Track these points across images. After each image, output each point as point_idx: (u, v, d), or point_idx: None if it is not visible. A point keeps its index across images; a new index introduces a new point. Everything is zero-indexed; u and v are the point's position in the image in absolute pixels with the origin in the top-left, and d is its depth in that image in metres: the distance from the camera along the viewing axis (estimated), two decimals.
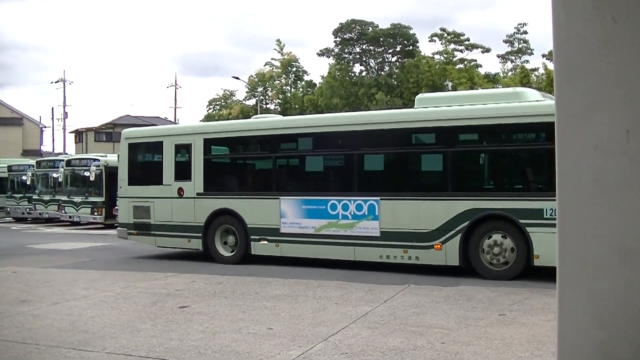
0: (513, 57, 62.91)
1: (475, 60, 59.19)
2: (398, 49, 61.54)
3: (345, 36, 62.73)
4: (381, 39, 60.59)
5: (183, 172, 20.79)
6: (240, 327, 10.99)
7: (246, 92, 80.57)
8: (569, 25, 2.16)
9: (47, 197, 40.74)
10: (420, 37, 77.73)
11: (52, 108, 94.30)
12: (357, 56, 63.67)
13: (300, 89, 76.38)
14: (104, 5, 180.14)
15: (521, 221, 15.49)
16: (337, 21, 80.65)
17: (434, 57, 59.14)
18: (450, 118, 16.69)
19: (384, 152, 18.31)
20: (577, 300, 2.25)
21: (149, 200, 21.46)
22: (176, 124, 72.76)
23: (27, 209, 43.35)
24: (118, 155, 23.41)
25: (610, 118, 2.14)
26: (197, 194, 20.45)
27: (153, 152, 22.15)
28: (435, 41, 60.78)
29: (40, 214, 41.75)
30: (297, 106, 72.00)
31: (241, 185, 20.81)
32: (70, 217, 38.08)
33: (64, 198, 38.26)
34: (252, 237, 19.52)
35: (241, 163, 21.72)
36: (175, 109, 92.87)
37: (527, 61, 61.95)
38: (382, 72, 61.85)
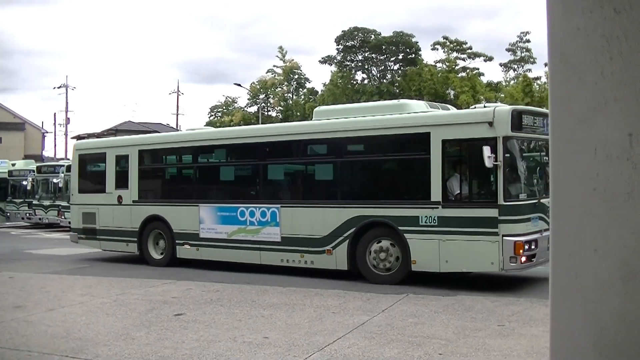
0: (515, 66, 62.62)
1: (478, 69, 58.90)
2: (400, 57, 61.30)
3: (347, 44, 62.49)
4: (383, 47, 60.37)
5: (122, 181, 22.51)
6: (235, 335, 10.86)
7: (248, 99, 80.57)
8: (567, 17, 1.98)
9: (47, 203, 40.50)
10: (423, 46, 77.63)
11: (55, 113, 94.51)
12: (360, 64, 63.44)
13: (302, 97, 76.28)
14: (108, 11, 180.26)
15: (400, 228, 16.27)
16: (340, 29, 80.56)
17: (436, 66, 58.95)
18: (338, 130, 17.70)
19: (284, 163, 19.62)
20: (573, 322, 2.07)
21: (94, 207, 23.32)
22: (178, 130, 72.73)
23: (27, 214, 43.22)
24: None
25: (612, 120, 1.96)
26: (133, 201, 22.18)
27: (98, 163, 23.81)
28: (437, 49, 60.52)
29: (40, 219, 41.61)
30: (298, 113, 71.81)
31: (168, 193, 22.13)
32: (69, 222, 37.91)
33: (64, 203, 38.09)
34: (177, 241, 20.95)
35: (168, 172, 23.00)
36: (177, 116, 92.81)
37: (530, 70, 61.74)
38: (384, 80, 61.62)
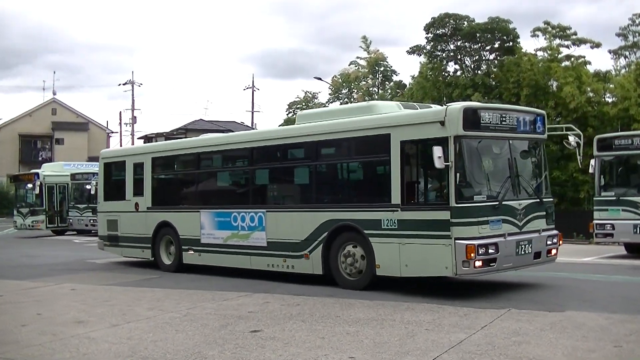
0: (627, 53, 61.08)
1: (584, 57, 57.38)
2: (496, 45, 60.09)
3: (438, 32, 61.63)
4: (478, 35, 59.34)
5: (139, 188, 24.52)
6: (318, 355, 10.74)
7: (329, 94, 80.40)
8: None
9: None
10: (522, 32, 76.47)
11: (120, 112, 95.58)
12: (451, 54, 62.48)
13: (389, 91, 75.72)
14: (177, 1, 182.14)
15: (365, 232, 17.17)
16: (429, 16, 79.79)
17: (536, 54, 57.85)
18: (311, 134, 19.00)
19: (268, 167, 20.93)
20: None
21: (117, 214, 25.49)
22: (253, 129, 73.13)
23: (91, 221, 43.87)
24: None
25: None
26: (147, 208, 24.15)
27: (120, 171, 25.76)
28: (538, 36, 59.12)
29: None
30: None
31: (175, 200, 24.01)
32: None
33: None
34: (183, 247, 22.63)
35: (175, 179, 24.94)
36: (252, 113, 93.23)
37: None
38: (479, 72, 60.65)
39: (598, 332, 11.97)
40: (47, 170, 48.86)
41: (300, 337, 12.09)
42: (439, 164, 14.97)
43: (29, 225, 47.68)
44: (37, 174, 47.76)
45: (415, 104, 19.28)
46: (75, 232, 47.65)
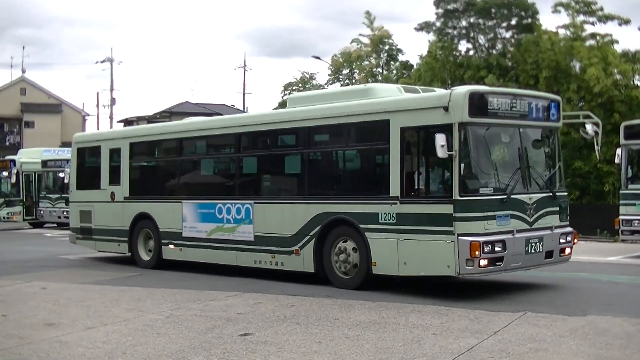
0: None
1: (611, 35, 57.18)
2: (513, 22, 59.97)
3: (449, 7, 61.49)
4: (493, 10, 59.18)
5: (115, 176, 24.53)
6: None
7: (329, 74, 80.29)
8: None
9: None
10: (542, 8, 75.83)
11: (97, 93, 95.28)
12: (463, 31, 62.29)
13: (394, 71, 75.58)
14: None
15: (361, 226, 17.19)
16: None
17: (558, 32, 57.73)
18: (302, 119, 19.11)
19: (256, 155, 21.20)
20: None
21: (90, 205, 25.54)
22: (244, 112, 73.06)
23: (64, 212, 43.71)
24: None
25: None
26: (124, 198, 24.15)
27: (95, 157, 25.87)
28: (560, 12, 58.74)
29: None
30: None
31: (155, 190, 24.05)
32: None
33: None
34: (163, 241, 22.68)
35: (155, 167, 25.40)
36: (243, 95, 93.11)
37: None
38: (494, 51, 60.53)
39: (624, 339, 11.99)
40: (24, 157, 48.51)
41: (294, 341, 12.11)
42: (441, 153, 15.03)
43: (3, 218, 47.47)
44: (13, 160, 47.47)
45: (417, 87, 19.38)
46: (55, 225, 47.17)
